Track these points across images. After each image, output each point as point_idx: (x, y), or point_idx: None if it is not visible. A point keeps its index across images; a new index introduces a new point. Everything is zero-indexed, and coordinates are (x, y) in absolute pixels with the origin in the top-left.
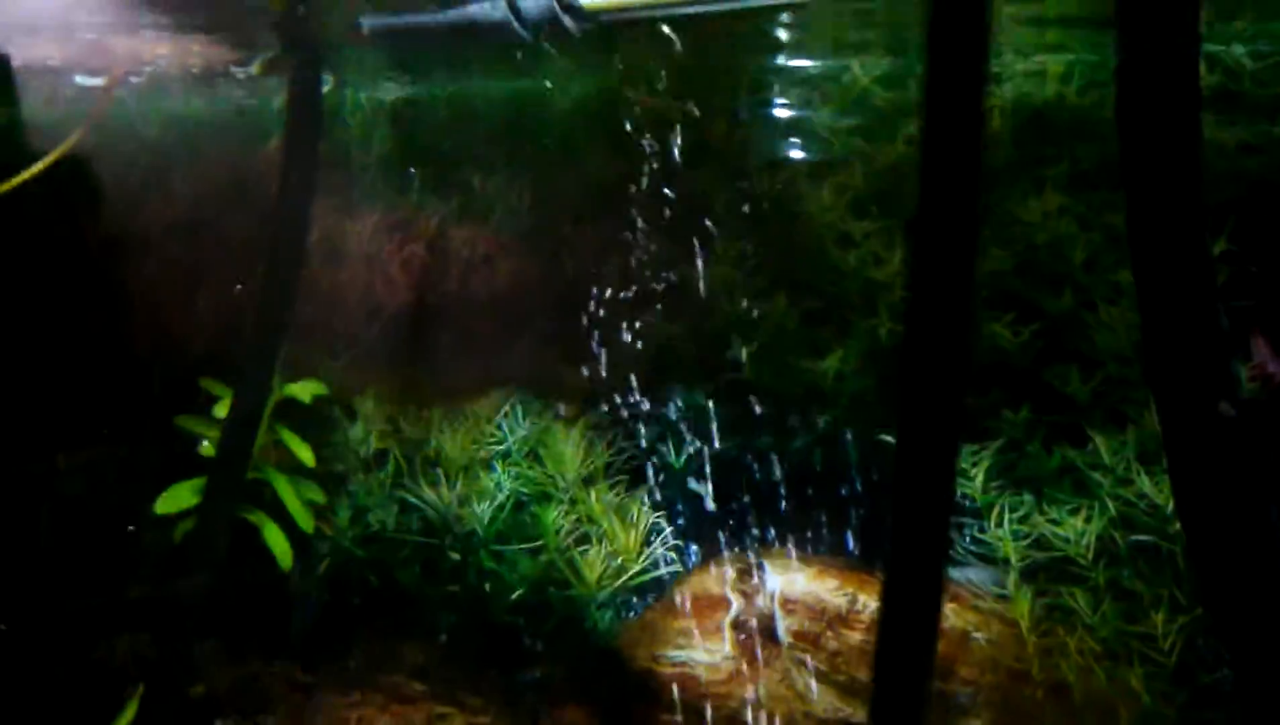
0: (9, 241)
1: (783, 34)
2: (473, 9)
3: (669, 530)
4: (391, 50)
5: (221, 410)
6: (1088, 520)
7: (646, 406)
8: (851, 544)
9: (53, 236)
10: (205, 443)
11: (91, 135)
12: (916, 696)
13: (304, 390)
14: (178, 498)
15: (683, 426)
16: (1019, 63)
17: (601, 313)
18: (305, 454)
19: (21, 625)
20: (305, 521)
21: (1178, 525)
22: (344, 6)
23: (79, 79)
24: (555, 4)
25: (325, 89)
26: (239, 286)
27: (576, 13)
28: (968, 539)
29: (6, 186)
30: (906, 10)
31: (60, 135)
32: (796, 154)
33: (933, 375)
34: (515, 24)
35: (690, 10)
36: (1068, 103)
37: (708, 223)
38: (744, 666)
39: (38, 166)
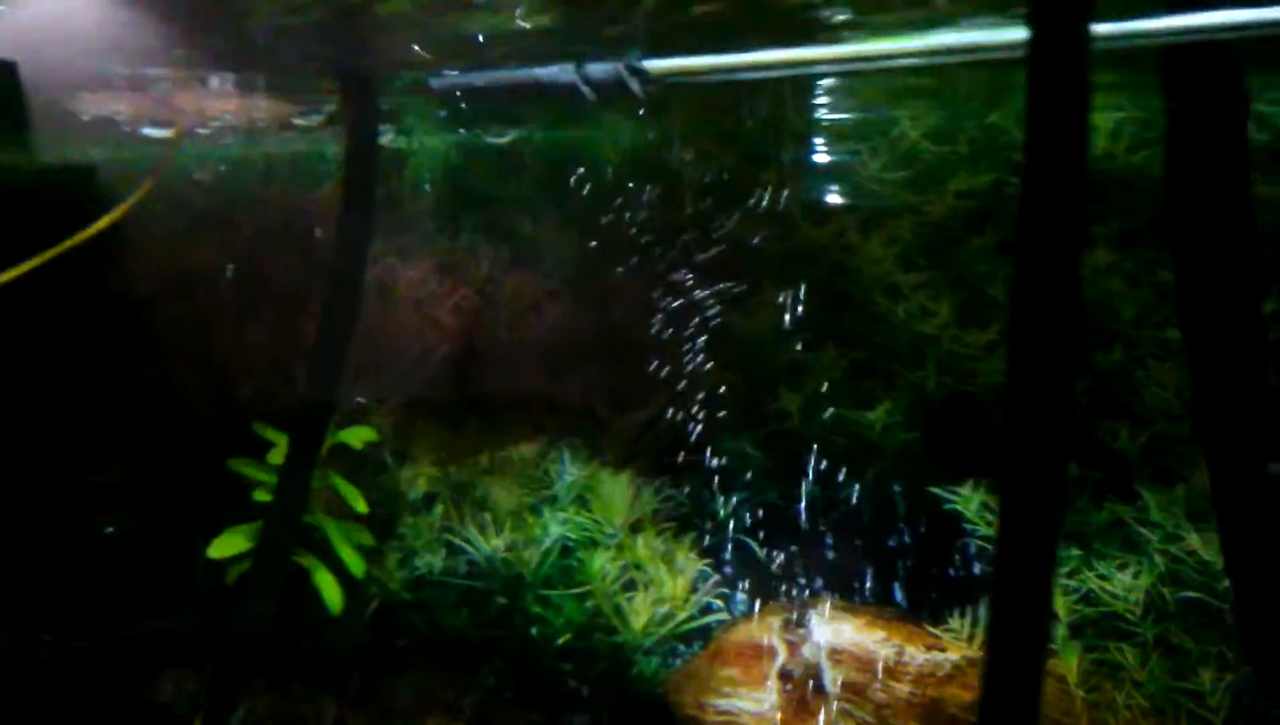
0: (75, 287)
1: (832, 86)
2: (540, 71)
3: (716, 578)
4: (448, 102)
5: (275, 457)
6: (1136, 576)
7: (694, 454)
8: (899, 595)
9: (107, 283)
10: (259, 489)
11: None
12: None
13: (355, 436)
14: (232, 543)
15: (730, 475)
16: None
17: (649, 360)
18: (357, 501)
19: (77, 658)
20: (356, 566)
21: (1226, 583)
22: (404, 58)
23: (146, 130)
24: (622, 69)
25: (382, 139)
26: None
27: (641, 76)
28: None
29: (84, 235)
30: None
31: (124, 180)
32: (845, 205)
33: (1038, 445)
34: (582, 86)
35: (749, 76)
36: (1117, 160)
37: (756, 272)
38: (790, 717)
39: (111, 216)
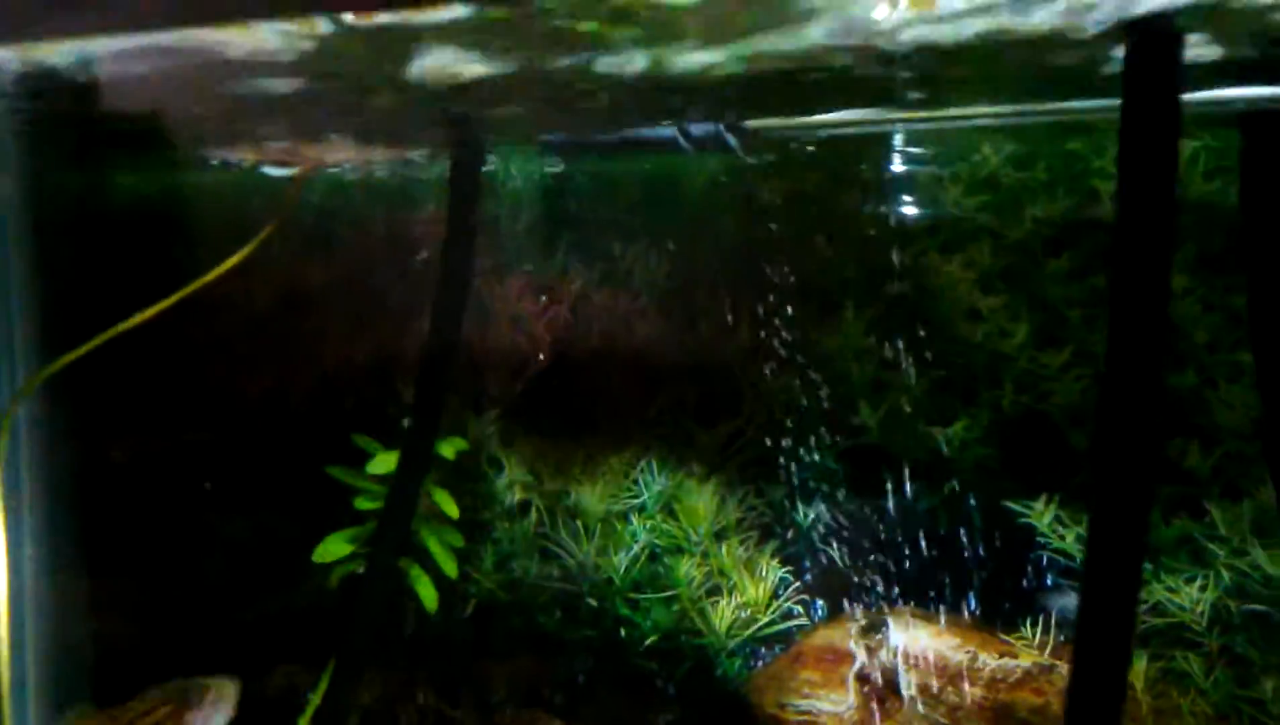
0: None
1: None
2: (644, 132)
3: (796, 585)
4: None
5: (373, 466)
6: (1203, 589)
7: (776, 466)
8: (973, 604)
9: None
10: (360, 497)
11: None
12: None
13: (449, 447)
14: (333, 548)
15: (810, 486)
16: None
17: (735, 376)
18: (450, 507)
19: (190, 655)
20: (450, 567)
21: None
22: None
23: (267, 169)
24: (721, 127)
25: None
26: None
27: (740, 133)
28: None
29: (218, 272)
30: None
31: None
32: (927, 228)
33: (1128, 465)
34: (682, 141)
35: (842, 131)
36: (1194, 187)
37: (839, 293)
38: (867, 717)
39: (242, 253)
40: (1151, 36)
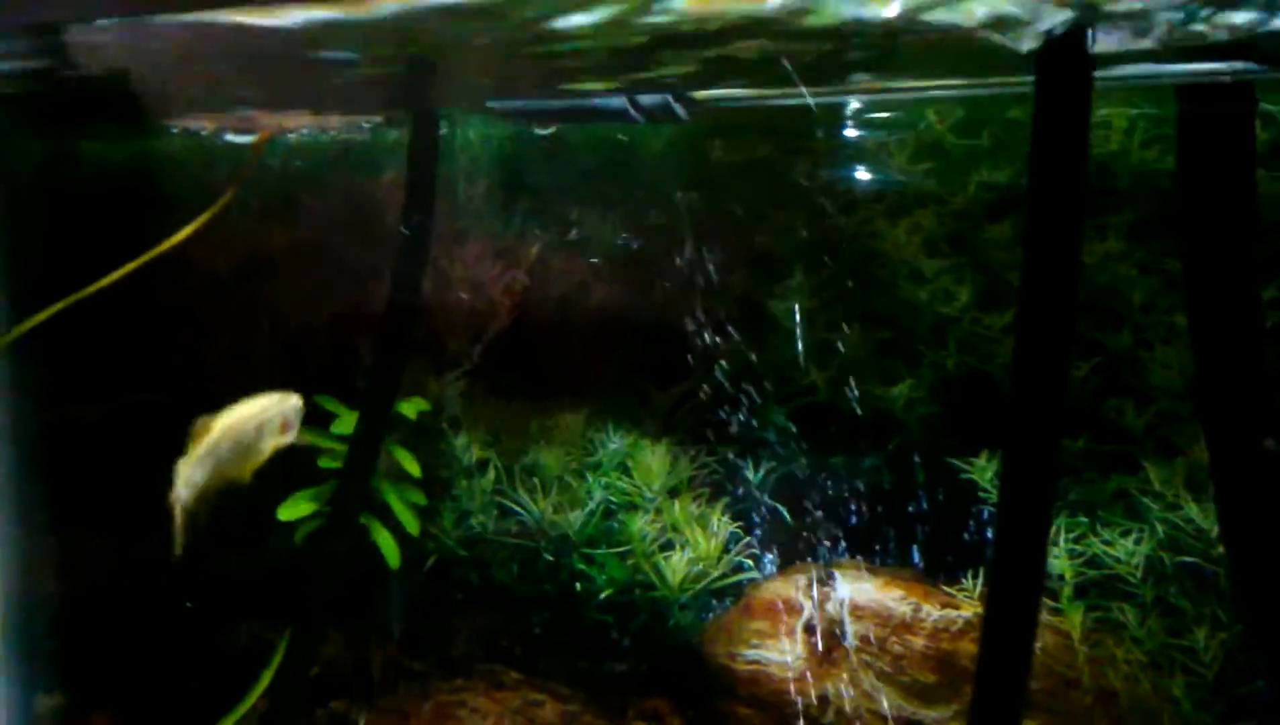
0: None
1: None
2: (595, 100)
3: (746, 540)
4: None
5: (338, 426)
6: (1138, 542)
7: (727, 425)
8: (917, 557)
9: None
10: (323, 456)
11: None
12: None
13: (410, 407)
14: (298, 506)
15: (760, 445)
16: None
17: (687, 338)
18: (411, 465)
19: (155, 613)
20: (411, 524)
21: (1221, 549)
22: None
23: (229, 136)
24: (669, 97)
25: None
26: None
27: (689, 102)
28: None
29: (177, 239)
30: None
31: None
32: (873, 195)
33: (1036, 408)
34: (632, 111)
35: (793, 101)
36: (1131, 154)
37: (788, 257)
38: (814, 666)
39: (202, 218)
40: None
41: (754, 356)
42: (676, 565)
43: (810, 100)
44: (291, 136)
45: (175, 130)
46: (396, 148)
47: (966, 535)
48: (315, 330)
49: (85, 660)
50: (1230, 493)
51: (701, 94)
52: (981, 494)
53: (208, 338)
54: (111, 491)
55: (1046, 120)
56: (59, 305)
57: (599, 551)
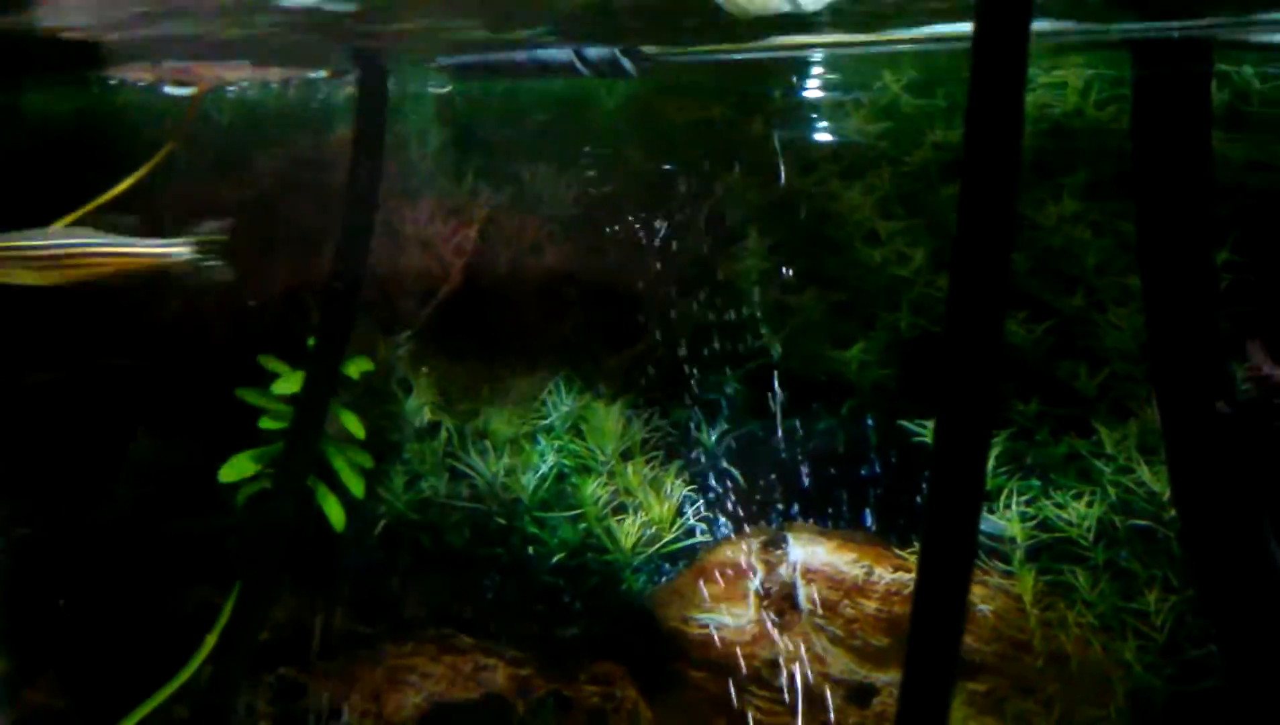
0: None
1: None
2: (541, 54)
3: (700, 503)
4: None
5: (281, 387)
6: (1090, 505)
7: (681, 388)
8: (869, 520)
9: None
10: (264, 417)
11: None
12: (948, 660)
13: (354, 368)
14: (240, 467)
15: (714, 407)
16: (1041, 76)
17: (641, 300)
18: (355, 426)
19: (100, 577)
20: (356, 487)
21: (1173, 512)
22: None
23: (168, 89)
24: (616, 51)
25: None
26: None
27: (636, 57)
28: None
29: (120, 189)
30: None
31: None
32: (828, 155)
33: (971, 365)
34: (579, 65)
35: (738, 56)
36: (1086, 115)
37: (742, 219)
38: (766, 630)
39: (139, 173)
40: None
41: (708, 318)
42: (629, 528)
43: (761, 55)
44: (231, 90)
45: (113, 81)
46: (344, 102)
47: (919, 498)
48: (259, 288)
49: (29, 626)
50: (1182, 456)
51: (650, 48)
52: None
53: (152, 299)
54: (55, 456)
55: (984, 63)
56: None
57: (551, 515)
